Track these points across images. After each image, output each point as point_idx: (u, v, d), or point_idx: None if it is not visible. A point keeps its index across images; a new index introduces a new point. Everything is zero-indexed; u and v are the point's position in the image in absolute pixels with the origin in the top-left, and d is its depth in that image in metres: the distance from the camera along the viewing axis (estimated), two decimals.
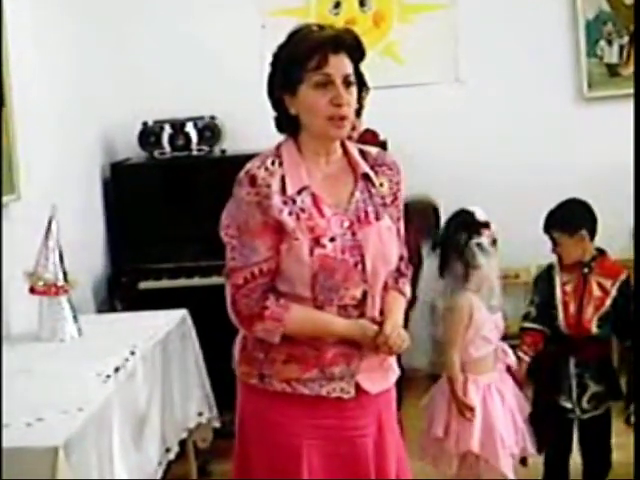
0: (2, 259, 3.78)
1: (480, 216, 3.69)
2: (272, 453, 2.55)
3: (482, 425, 3.62)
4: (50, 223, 3.80)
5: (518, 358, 3.85)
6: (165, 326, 3.91)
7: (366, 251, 2.52)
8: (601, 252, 3.92)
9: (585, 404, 3.88)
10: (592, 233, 3.88)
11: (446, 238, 3.74)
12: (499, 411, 3.66)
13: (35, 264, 3.79)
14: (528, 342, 3.92)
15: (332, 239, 2.48)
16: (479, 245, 3.65)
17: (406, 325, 2.69)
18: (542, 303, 3.94)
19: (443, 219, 4.04)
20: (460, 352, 3.67)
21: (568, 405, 3.89)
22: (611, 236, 4.65)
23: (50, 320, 3.80)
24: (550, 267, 3.98)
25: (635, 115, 4.31)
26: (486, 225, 3.69)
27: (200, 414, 4.11)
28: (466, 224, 3.68)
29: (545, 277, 3.98)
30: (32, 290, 3.78)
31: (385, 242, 2.57)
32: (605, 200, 4.22)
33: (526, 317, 3.99)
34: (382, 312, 2.61)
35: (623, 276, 3.89)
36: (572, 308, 3.86)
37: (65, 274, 3.82)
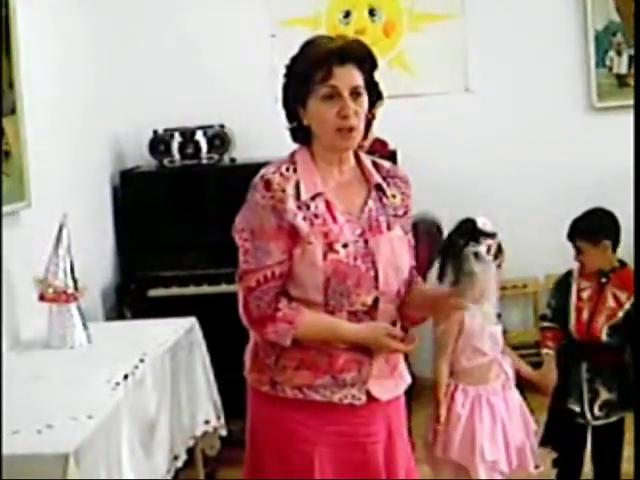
0: (2, 265, 3.79)
1: (483, 225, 3.67)
2: (284, 460, 2.56)
3: (463, 434, 3.63)
4: (61, 231, 3.82)
5: (525, 362, 3.86)
6: (174, 334, 3.92)
7: (378, 259, 2.53)
8: (622, 264, 3.95)
9: (597, 411, 3.90)
10: (615, 243, 3.91)
11: (445, 245, 3.74)
12: (486, 424, 3.63)
13: (45, 271, 3.80)
14: (550, 337, 3.98)
15: (345, 245, 2.50)
16: (476, 253, 3.61)
17: None
18: (558, 306, 3.99)
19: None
20: (452, 360, 3.68)
21: (576, 408, 3.91)
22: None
23: (59, 327, 3.81)
24: (569, 273, 4.02)
25: (635, 123, 4.32)
26: (487, 235, 3.66)
27: (207, 422, 4.11)
28: (466, 232, 3.67)
29: (563, 282, 4.03)
30: (42, 297, 3.79)
31: (397, 251, 2.59)
32: (614, 209, 4.22)
33: (543, 318, 4.07)
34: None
35: None
36: (585, 315, 3.89)
37: (75, 282, 3.83)
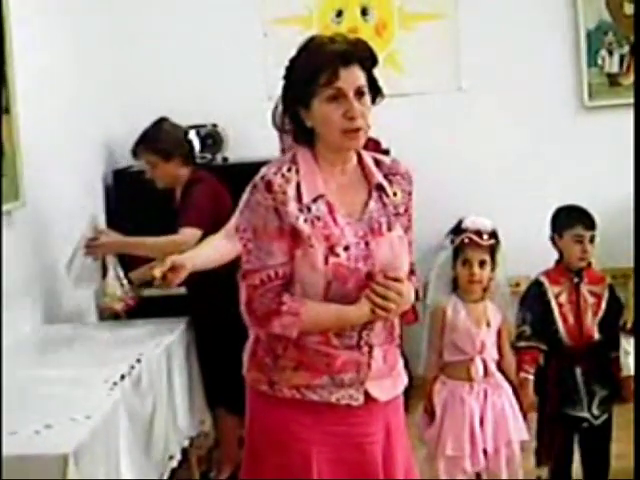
0: (2, 265, 3.78)
1: (468, 224, 3.70)
2: (282, 459, 2.56)
3: (434, 424, 3.68)
4: None
5: (513, 383, 3.82)
6: (170, 334, 3.93)
7: (378, 261, 2.53)
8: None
9: (595, 410, 3.90)
10: None
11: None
12: (454, 419, 3.65)
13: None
14: (528, 360, 3.85)
15: (346, 248, 2.49)
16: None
17: None
18: (536, 320, 3.88)
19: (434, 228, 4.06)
20: (440, 353, 3.72)
21: (582, 414, 3.89)
22: (611, 243, 4.67)
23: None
24: (539, 283, 3.94)
25: (635, 122, 4.33)
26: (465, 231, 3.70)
27: (202, 422, 4.12)
28: (453, 231, 3.73)
29: (535, 294, 3.94)
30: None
31: (397, 253, 2.58)
32: (606, 207, 4.24)
33: (520, 336, 3.90)
34: None
35: (608, 281, 3.96)
36: (571, 319, 3.87)
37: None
